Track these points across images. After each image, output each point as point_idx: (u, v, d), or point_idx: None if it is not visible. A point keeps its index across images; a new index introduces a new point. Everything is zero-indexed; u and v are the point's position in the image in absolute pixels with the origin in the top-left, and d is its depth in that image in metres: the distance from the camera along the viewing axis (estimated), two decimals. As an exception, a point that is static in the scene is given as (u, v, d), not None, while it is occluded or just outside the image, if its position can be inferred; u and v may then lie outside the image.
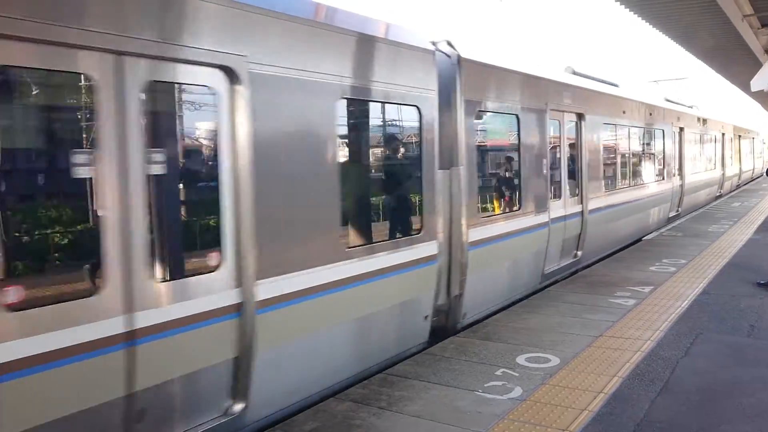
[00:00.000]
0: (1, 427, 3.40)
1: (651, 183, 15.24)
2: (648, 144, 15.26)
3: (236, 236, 4.54)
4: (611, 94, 12.63)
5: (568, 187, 10.34)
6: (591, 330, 7.00)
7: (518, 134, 8.67)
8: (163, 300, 4.13)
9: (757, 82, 12.50)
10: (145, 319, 3.98)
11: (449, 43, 7.32)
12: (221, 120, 4.48)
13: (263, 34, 4.74)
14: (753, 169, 37.68)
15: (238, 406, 4.64)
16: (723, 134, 25.83)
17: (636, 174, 14.37)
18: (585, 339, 6.69)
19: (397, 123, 6.77)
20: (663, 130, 16.06)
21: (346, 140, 6.13)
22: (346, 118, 5.89)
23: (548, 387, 5.40)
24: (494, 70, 8.18)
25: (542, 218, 9.22)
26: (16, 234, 3.84)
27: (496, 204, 8.64)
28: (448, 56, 7.24)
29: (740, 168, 31.96)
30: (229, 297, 4.50)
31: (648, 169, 15.14)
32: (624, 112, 13.19)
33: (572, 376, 5.65)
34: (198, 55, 4.25)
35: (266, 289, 4.70)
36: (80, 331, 3.67)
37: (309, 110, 5.17)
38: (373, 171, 6.78)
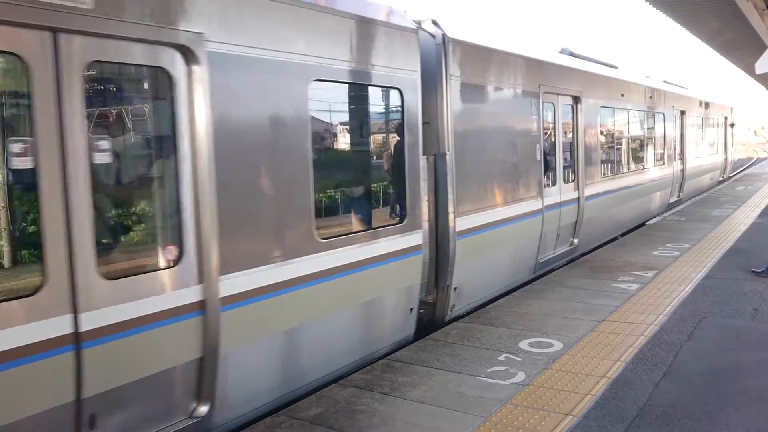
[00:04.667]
0: None
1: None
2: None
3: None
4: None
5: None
6: (594, 315, 7.00)
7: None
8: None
9: (762, 64, 12.40)
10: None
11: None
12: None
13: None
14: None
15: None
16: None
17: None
18: (588, 324, 6.68)
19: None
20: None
21: None
22: None
23: (551, 372, 5.40)
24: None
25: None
26: None
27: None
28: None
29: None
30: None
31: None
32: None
33: (575, 360, 5.65)
34: None
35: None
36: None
37: None
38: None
